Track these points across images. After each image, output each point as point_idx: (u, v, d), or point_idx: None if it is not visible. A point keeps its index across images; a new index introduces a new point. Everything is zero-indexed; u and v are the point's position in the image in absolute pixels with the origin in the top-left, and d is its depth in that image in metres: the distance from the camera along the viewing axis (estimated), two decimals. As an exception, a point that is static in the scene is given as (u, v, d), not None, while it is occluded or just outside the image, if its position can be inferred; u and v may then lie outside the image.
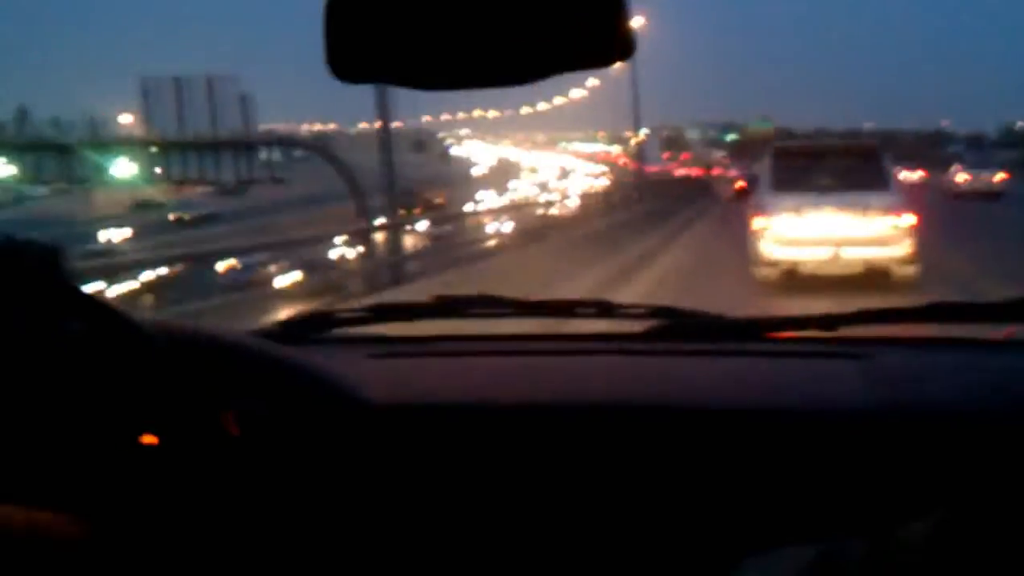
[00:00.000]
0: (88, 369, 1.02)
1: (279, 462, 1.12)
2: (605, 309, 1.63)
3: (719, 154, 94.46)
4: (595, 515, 1.17)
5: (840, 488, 1.12)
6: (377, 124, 14.76)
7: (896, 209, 10.93)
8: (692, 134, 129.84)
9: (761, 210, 11.35)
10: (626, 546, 1.15)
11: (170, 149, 26.66)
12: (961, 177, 34.43)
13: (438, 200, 48.87)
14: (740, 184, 38.93)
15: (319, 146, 31.07)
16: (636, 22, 0.92)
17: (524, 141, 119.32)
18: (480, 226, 23.15)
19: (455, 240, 19.61)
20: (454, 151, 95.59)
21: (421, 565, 1.19)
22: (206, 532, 1.06)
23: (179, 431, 1.05)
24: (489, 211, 28.26)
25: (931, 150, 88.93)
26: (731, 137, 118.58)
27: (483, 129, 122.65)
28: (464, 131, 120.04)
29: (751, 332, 1.58)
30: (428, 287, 8.16)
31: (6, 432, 0.97)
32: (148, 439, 1.04)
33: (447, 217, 30.26)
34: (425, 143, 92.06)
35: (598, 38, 0.85)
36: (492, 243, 18.28)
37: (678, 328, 1.58)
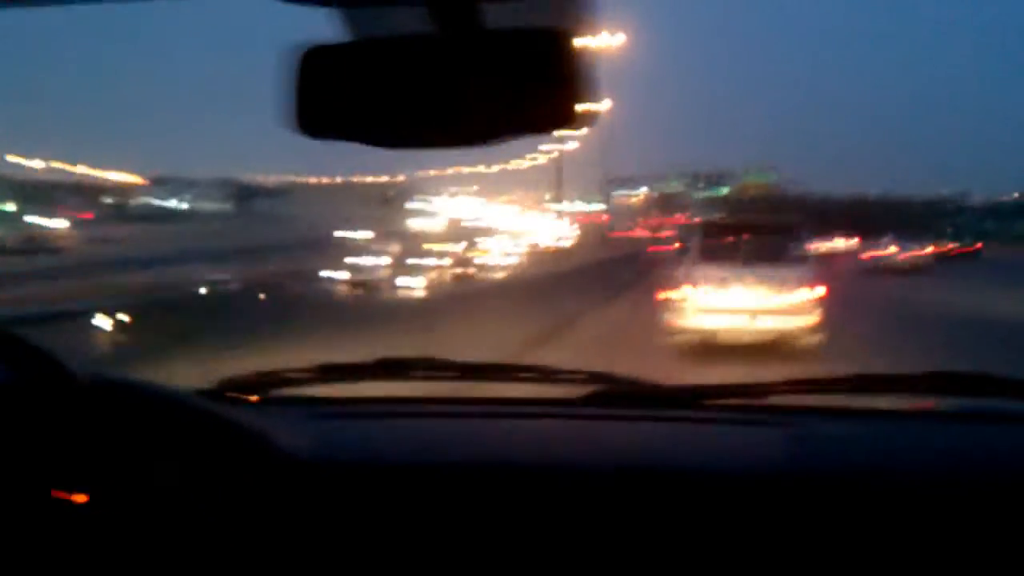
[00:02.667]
0: (9, 416, 0.98)
1: (207, 521, 1.11)
2: (545, 374, 1.71)
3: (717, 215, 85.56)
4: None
5: (765, 550, 1.17)
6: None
7: (807, 282, 11.93)
8: (677, 186, 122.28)
9: (685, 280, 12.17)
10: None
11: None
12: (891, 250, 32.36)
13: None
14: (655, 246, 33.20)
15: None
16: (601, 106, 0.72)
17: (514, 199, 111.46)
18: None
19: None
20: (427, 207, 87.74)
21: None
22: None
23: (102, 488, 1.02)
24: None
25: (938, 220, 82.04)
26: (725, 191, 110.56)
27: (477, 184, 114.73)
28: (454, 188, 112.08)
29: (684, 400, 1.64)
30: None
31: None
32: (67, 495, 1.01)
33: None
34: (392, 198, 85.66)
35: (556, 105, 0.86)
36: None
37: (615, 395, 1.64)
